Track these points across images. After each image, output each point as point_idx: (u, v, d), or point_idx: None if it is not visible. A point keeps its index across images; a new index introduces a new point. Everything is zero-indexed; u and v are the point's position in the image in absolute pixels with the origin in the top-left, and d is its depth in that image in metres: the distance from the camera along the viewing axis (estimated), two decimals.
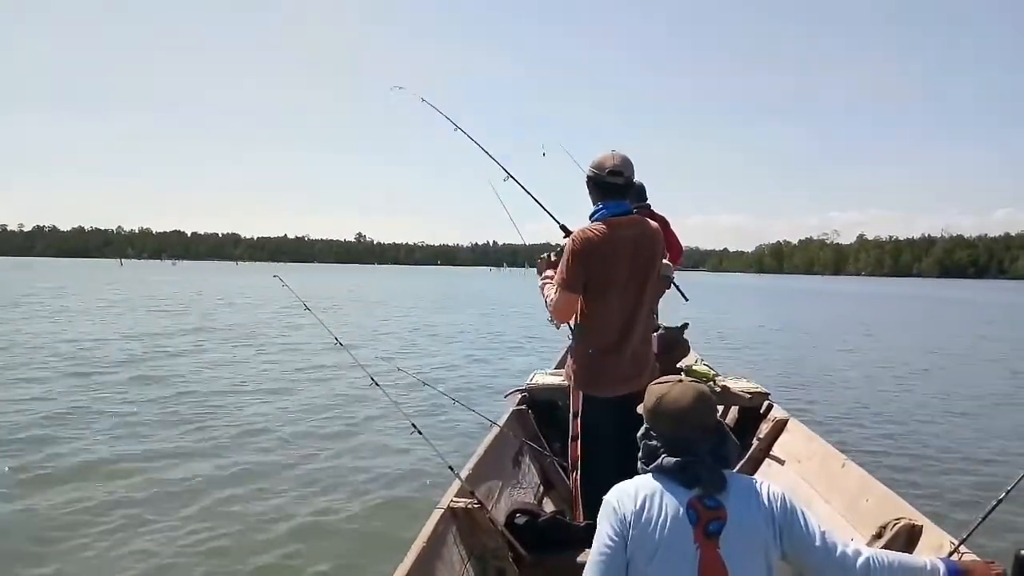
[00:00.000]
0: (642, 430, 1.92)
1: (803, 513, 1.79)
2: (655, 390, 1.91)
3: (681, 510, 1.70)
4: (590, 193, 3.19)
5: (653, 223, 3.26)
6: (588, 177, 3.17)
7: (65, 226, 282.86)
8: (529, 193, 3.78)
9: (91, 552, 4.45)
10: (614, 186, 3.09)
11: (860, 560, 1.75)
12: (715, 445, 1.82)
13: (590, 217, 3.17)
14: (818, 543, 1.75)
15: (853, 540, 2.94)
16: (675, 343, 4.99)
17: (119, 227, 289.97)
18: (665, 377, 1.96)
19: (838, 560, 1.75)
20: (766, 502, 1.77)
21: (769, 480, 1.88)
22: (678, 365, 4.99)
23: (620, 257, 3.06)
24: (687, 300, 5.23)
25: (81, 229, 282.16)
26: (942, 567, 1.81)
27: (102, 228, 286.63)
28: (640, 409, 1.97)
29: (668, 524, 1.69)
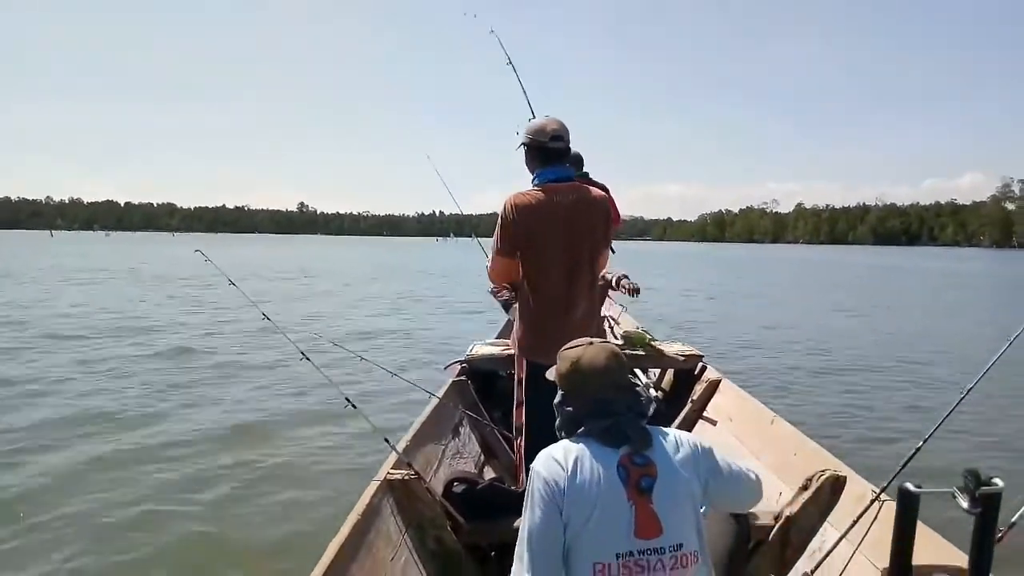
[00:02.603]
0: (558, 398, 1.91)
1: (714, 452, 1.87)
2: (569, 354, 1.90)
3: (612, 470, 1.72)
4: (528, 161, 3.13)
5: (597, 190, 3.21)
6: (526, 144, 3.10)
7: None
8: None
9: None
10: (555, 151, 3.06)
11: (755, 475, 1.97)
12: (632, 402, 1.84)
13: (532, 183, 3.12)
14: (733, 478, 1.89)
15: (782, 494, 3.06)
16: None
17: (48, 197, 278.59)
18: (574, 341, 1.94)
19: (747, 481, 1.93)
20: (689, 452, 1.81)
21: (703, 438, 1.92)
22: (619, 331, 5.06)
23: (554, 222, 3.01)
24: (614, 252, 5.31)
25: (8, 200, 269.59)
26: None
27: (30, 198, 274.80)
28: (551, 375, 1.96)
29: (601, 485, 1.69)
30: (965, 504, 1.54)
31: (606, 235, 3.21)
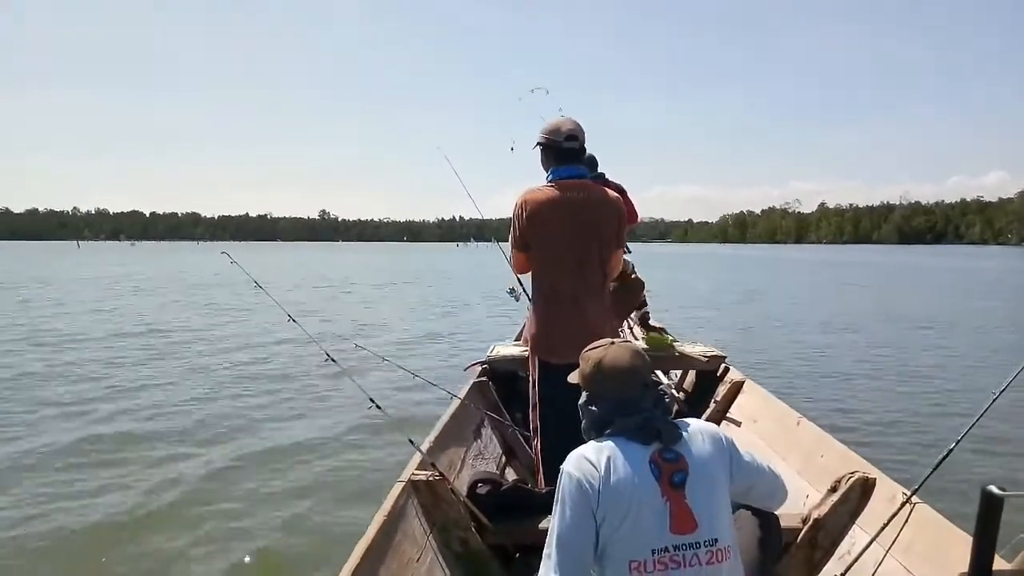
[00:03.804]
0: (583, 399, 1.91)
1: (735, 442, 1.89)
2: (592, 355, 1.89)
3: (645, 467, 1.71)
4: (543, 160, 3.18)
5: (610, 191, 3.24)
6: (542, 144, 3.15)
7: (18, 208, 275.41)
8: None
9: None
10: (569, 151, 3.11)
11: (775, 469, 2.01)
12: (657, 399, 1.84)
13: (546, 181, 3.16)
14: (756, 468, 1.91)
15: (809, 496, 3.02)
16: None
17: (75, 208, 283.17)
18: (597, 342, 1.95)
19: (769, 474, 1.96)
20: (713, 442, 1.82)
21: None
22: (639, 332, 5.04)
23: (562, 217, 3.05)
24: (629, 252, 5.30)
25: (35, 211, 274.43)
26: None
27: (57, 209, 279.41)
28: (574, 378, 1.96)
29: (636, 483, 1.69)
30: None
31: (617, 234, 3.21)
